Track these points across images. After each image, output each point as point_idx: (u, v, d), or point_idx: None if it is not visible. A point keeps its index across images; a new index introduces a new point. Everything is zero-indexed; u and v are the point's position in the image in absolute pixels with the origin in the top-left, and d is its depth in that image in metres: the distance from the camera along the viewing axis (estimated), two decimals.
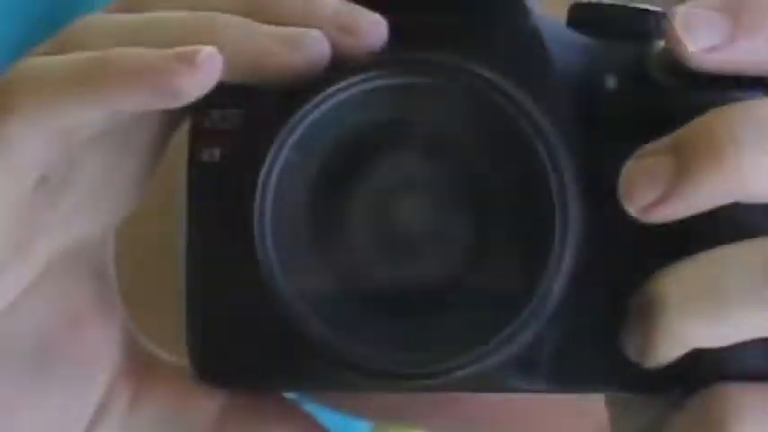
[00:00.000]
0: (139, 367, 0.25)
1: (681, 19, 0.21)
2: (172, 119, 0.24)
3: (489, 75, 0.22)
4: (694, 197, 0.21)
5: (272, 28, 0.22)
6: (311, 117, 0.22)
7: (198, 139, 0.23)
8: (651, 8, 0.24)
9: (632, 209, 0.21)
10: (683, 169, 0.21)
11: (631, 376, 0.23)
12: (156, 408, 0.25)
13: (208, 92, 0.21)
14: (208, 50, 0.21)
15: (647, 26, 0.24)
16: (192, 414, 0.25)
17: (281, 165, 0.22)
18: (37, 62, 0.22)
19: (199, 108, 0.23)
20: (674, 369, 0.22)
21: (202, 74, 0.21)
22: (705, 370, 0.22)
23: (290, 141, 0.22)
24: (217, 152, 0.23)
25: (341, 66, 0.22)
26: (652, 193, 0.21)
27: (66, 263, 0.24)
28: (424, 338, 0.22)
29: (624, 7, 0.24)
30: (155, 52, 0.21)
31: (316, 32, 0.22)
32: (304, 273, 0.23)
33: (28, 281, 0.23)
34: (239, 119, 0.23)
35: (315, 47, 0.22)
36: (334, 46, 0.22)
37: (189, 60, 0.20)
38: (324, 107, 0.22)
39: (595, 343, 0.23)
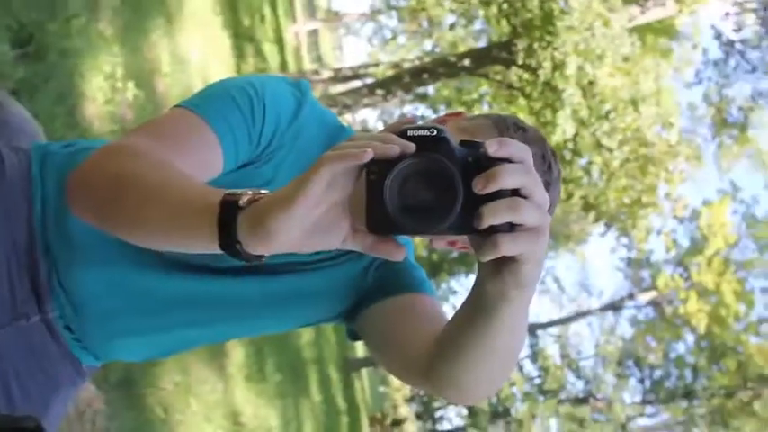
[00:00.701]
0: (353, 229, 0.85)
1: (488, 143, 0.80)
2: (360, 168, 0.82)
3: (440, 157, 0.80)
4: (492, 187, 0.78)
5: (385, 138, 0.81)
6: (397, 167, 0.79)
7: (367, 172, 0.81)
8: (479, 141, 0.81)
9: (477, 188, 0.78)
10: (488, 180, 0.80)
11: (475, 230, 0.79)
12: (357, 241, 0.85)
13: (368, 161, 0.79)
14: (368, 150, 0.79)
15: (479, 145, 0.81)
16: (369, 239, 0.85)
17: (390, 179, 0.79)
18: (331, 152, 0.81)
19: (368, 166, 0.80)
20: (488, 230, 0.78)
21: (366, 156, 0.79)
22: (493, 229, 0.78)
23: (391, 174, 0.79)
24: (373, 176, 0.80)
25: (402, 155, 0.80)
26: (481, 185, 0.78)
27: (336, 212, 0.84)
28: (426, 223, 0.80)
29: (473, 141, 0.82)
30: (357, 148, 0.80)
31: (397, 144, 0.80)
32: (396, 205, 0.80)
33: (330, 223, 0.85)
34: (378, 167, 0.80)
35: (397, 149, 0.80)
36: (401, 149, 0.80)
37: (363, 152, 0.79)
38: (400, 165, 0.80)
39: (467, 221, 0.79)
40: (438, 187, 0.79)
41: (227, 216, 0.86)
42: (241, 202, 0.86)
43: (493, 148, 0.79)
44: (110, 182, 1.02)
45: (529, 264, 0.81)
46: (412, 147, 0.80)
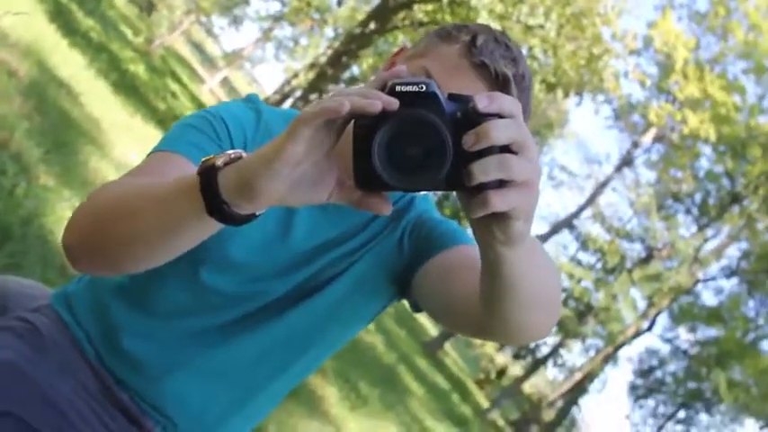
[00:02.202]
0: (340, 183, 0.88)
1: (478, 98, 0.77)
2: (346, 122, 0.82)
3: (429, 114, 0.78)
4: (483, 143, 0.75)
5: (366, 93, 0.79)
6: (385, 124, 0.78)
7: (354, 128, 0.80)
8: (468, 95, 0.79)
9: (467, 145, 0.76)
10: (478, 136, 0.75)
11: (465, 187, 0.77)
12: (344, 195, 0.87)
13: (355, 116, 0.79)
14: (345, 103, 0.77)
15: (468, 99, 0.78)
16: (356, 194, 0.86)
17: (378, 136, 0.78)
18: (309, 107, 0.80)
19: (355, 121, 0.80)
20: (477, 186, 0.76)
21: (343, 108, 0.77)
22: (484, 186, 0.76)
23: (379, 130, 0.78)
24: (361, 132, 0.79)
25: (389, 110, 0.78)
26: (471, 141, 0.76)
27: (321, 166, 0.85)
28: (414, 180, 0.79)
29: (462, 95, 0.80)
30: (336, 102, 0.78)
31: (380, 100, 0.78)
32: (384, 162, 0.78)
33: (316, 178, 0.86)
34: (366, 123, 0.79)
35: (378, 104, 0.77)
36: (384, 105, 0.78)
37: (340, 104, 0.77)
38: (389, 121, 0.78)
39: (457, 178, 0.78)
40: (427, 144, 0.78)
41: (208, 179, 0.87)
42: (218, 163, 0.88)
43: (483, 102, 0.77)
44: (93, 212, 1.04)
45: (519, 219, 0.79)
46: (395, 103, 0.78)
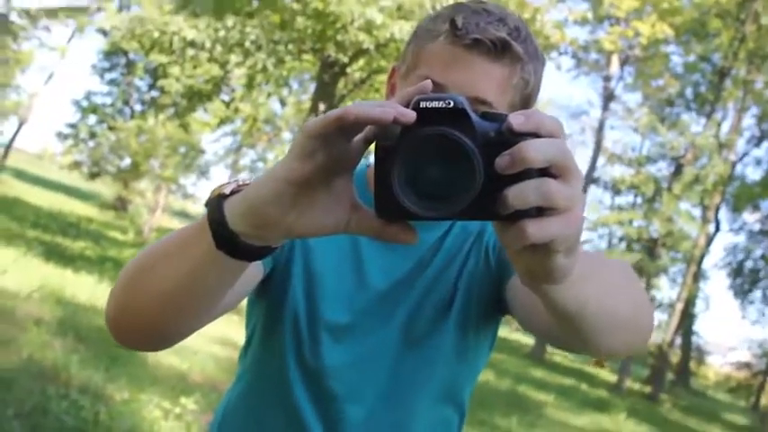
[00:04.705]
0: (358, 210, 0.77)
1: (512, 117, 0.68)
2: (368, 141, 0.75)
3: (457, 134, 0.68)
4: (518, 166, 0.65)
5: (384, 105, 0.68)
6: (407, 145, 0.69)
7: (376, 150, 0.71)
8: (503, 112, 0.71)
9: (500, 168, 0.66)
10: (513, 158, 0.65)
11: (499, 216, 0.68)
12: (363, 225, 0.77)
13: (375, 131, 0.73)
14: (349, 110, 0.68)
15: (502, 117, 0.69)
16: (375, 222, 0.76)
17: (400, 158, 0.68)
18: (318, 118, 0.71)
19: (377, 143, 0.72)
20: (513, 214, 0.67)
21: (347, 115, 0.68)
22: (520, 214, 0.66)
23: (401, 152, 0.69)
24: (382, 154, 0.70)
25: (410, 128, 0.69)
26: (505, 164, 0.66)
27: (337, 192, 0.77)
28: (440, 209, 0.69)
29: (496, 113, 0.70)
30: (346, 109, 0.69)
31: (394, 112, 0.67)
32: (405, 187, 0.69)
33: (330, 203, 0.77)
34: (388, 144, 0.70)
35: (390, 113, 0.67)
36: (396, 118, 0.67)
37: (344, 111, 0.69)
38: (411, 142, 0.69)
39: (489, 206, 0.68)
40: (455, 167, 0.68)
41: (215, 208, 0.80)
42: (225, 191, 0.81)
43: (518, 120, 0.67)
44: (125, 277, 0.97)
45: (560, 252, 0.69)
46: (410, 115, 0.68)
